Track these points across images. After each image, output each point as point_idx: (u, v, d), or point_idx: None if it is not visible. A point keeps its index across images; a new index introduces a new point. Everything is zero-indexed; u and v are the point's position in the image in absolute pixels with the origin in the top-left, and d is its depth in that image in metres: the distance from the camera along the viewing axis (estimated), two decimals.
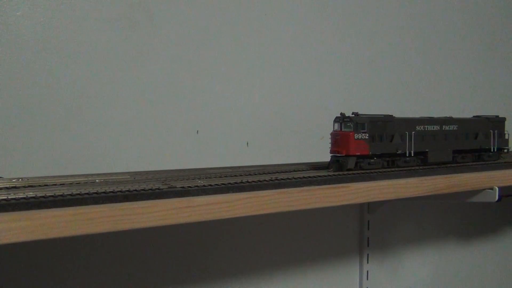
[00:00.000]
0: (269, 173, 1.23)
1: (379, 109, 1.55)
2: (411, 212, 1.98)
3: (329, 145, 1.32)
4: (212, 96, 1.53)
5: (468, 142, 1.55)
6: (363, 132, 1.30)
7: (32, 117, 1.25)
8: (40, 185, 1.00)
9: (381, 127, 1.34)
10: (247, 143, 1.59)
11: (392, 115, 1.39)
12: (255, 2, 1.62)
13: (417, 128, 1.42)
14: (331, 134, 1.32)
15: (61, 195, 0.89)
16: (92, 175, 1.17)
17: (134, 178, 1.13)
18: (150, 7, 1.42)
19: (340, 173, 1.27)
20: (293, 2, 1.70)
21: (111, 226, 0.85)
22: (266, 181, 1.12)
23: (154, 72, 1.43)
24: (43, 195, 0.88)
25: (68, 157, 1.29)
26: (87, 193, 0.91)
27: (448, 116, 1.55)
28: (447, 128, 1.49)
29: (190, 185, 1.01)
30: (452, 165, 1.50)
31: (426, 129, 1.44)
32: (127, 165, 1.35)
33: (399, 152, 1.38)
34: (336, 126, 1.31)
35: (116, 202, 0.91)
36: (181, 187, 1.00)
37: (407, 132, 1.39)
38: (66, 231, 0.81)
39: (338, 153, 1.30)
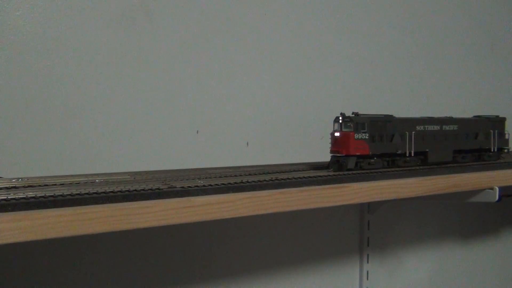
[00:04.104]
0: (269, 173, 1.23)
1: (379, 109, 1.55)
2: (411, 212, 1.98)
3: (329, 145, 1.32)
4: (212, 96, 1.53)
5: (468, 142, 1.55)
6: (363, 132, 1.30)
7: (32, 117, 1.25)
8: (40, 185, 1.00)
9: (381, 127, 1.34)
10: (247, 143, 1.59)
11: (392, 115, 1.39)
12: (255, 2, 1.61)
13: (417, 128, 1.42)
14: (331, 134, 1.32)
15: (61, 195, 0.89)
16: (92, 175, 1.17)
17: (134, 178, 1.13)
18: (150, 7, 1.42)
19: (340, 173, 1.26)
20: (293, 2, 1.70)
21: (111, 226, 0.85)
22: (266, 181, 1.11)
23: (154, 72, 1.43)
24: (43, 195, 0.88)
25: (68, 157, 1.29)
26: (87, 193, 0.91)
27: (448, 116, 1.55)
28: (447, 128, 1.49)
29: (190, 185, 1.01)
30: (452, 165, 1.50)
31: (426, 129, 1.44)
32: (127, 165, 1.35)
33: (399, 152, 1.38)
34: (336, 126, 1.31)
35: (116, 202, 0.91)
36: (181, 187, 1.00)
37: (407, 132, 1.39)
38: (66, 231, 0.81)
39: (338, 153, 1.30)
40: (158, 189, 0.98)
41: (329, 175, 1.23)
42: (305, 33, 1.73)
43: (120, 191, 0.94)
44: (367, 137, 1.30)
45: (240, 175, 1.20)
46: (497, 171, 1.50)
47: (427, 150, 1.44)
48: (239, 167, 1.38)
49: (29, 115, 1.25)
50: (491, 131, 1.60)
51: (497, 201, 1.44)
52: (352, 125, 1.29)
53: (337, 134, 1.30)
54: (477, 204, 1.52)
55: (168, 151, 1.44)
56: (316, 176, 1.21)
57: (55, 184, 1.02)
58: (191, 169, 1.33)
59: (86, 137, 1.32)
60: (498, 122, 1.64)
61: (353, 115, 1.30)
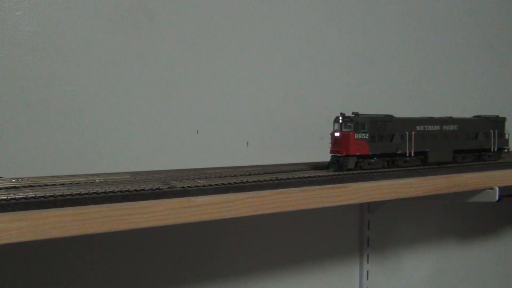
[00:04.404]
0: (269, 173, 1.23)
1: (379, 109, 1.55)
2: (411, 212, 1.98)
3: (329, 145, 1.32)
4: (212, 96, 1.53)
5: (468, 142, 1.55)
6: (363, 132, 1.30)
7: (32, 117, 1.25)
8: (40, 185, 1.00)
9: (381, 127, 1.34)
10: (247, 143, 1.59)
11: (392, 115, 1.39)
12: (255, 2, 1.61)
13: (417, 128, 1.42)
14: (331, 134, 1.32)
15: (61, 195, 0.89)
16: (92, 175, 1.17)
17: (134, 178, 1.13)
18: (150, 7, 1.42)
19: (340, 173, 1.26)
20: (293, 2, 1.70)
21: (111, 226, 0.85)
22: (266, 181, 1.11)
23: (154, 72, 1.43)
24: (43, 195, 0.88)
25: (68, 157, 1.29)
26: (87, 193, 0.91)
27: (448, 116, 1.55)
28: (447, 128, 1.49)
29: (190, 185, 1.01)
30: (452, 165, 1.50)
31: (426, 129, 1.44)
32: (127, 165, 1.35)
33: (399, 152, 1.38)
34: (336, 126, 1.31)
35: (116, 202, 0.91)
36: (181, 187, 1.00)
37: (407, 132, 1.39)
38: (66, 231, 0.81)
39: (338, 153, 1.30)
40: (158, 189, 0.98)
41: (329, 175, 1.23)
42: (305, 33, 1.73)
43: (120, 191, 0.94)
44: (367, 137, 1.30)
45: (240, 175, 1.19)
46: (497, 171, 1.50)
47: (427, 150, 1.44)
48: (239, 167, 1.38)
49: (29, 115, 1.25)
50: (491, 131, 1.60)
51: (497, 201, 1.44)
52: (352, 125, 1.29)
53: (337, 134, 1.30)
54: (477, 204, 1.52)
55: (168, 151, 1.44)
56: (316, 176, 1.21)
57: (55, 184, 1.01)
58: (191, 169, 1.33)
59: (86, 137, 1.32)
60: (498, 122, 1.64)
61: (353, 115, 1.30)
